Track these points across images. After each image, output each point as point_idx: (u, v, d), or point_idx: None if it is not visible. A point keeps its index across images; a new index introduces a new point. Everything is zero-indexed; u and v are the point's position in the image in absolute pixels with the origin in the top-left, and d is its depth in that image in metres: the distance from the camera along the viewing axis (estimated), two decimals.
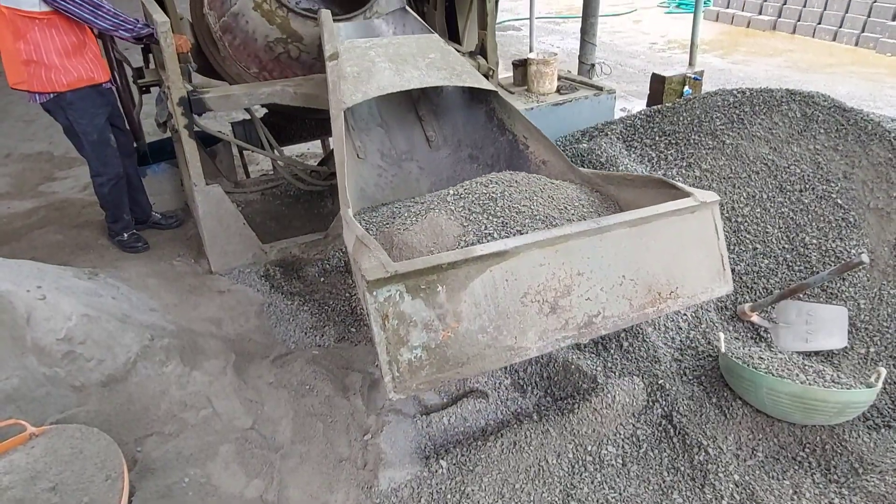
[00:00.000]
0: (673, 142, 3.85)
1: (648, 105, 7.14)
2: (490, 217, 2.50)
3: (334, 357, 3.32)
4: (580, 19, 7.01)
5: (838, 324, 3.07)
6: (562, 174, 3.01)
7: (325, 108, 3.13)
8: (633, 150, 3.98)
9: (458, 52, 4.39)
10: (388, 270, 1.95)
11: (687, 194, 2.46)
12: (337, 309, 3.76)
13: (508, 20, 12.86)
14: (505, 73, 5.41)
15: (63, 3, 3.36)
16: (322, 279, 4.01)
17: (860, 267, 2.79)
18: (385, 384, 1.97)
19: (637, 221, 2.31)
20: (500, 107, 3.32)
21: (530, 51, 10.20)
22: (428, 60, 3.14)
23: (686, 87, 6.99)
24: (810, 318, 3.10)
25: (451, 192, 2.66)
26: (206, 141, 4.88)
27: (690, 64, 7.35)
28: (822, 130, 3.54)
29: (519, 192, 2.63)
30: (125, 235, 4.16)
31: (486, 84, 3.16)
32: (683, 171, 3.67)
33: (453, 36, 4.78)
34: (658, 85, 7.00)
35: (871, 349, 2.99)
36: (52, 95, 3.59)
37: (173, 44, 3.40)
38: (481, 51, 4.22)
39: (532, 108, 4.62)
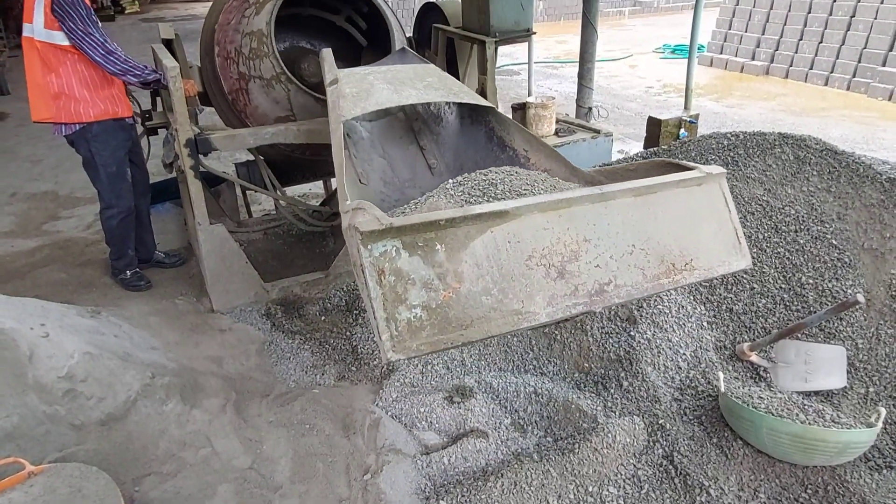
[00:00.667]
0: None
1: (645, 147, 7.26)
2: (490, 199, 2.44)
3: (334, 396, 3.32)
4: (577, 64, 7.19)
5: (837, 363, 3.08)
6: (566, 179, 3.00)
7: (328, 143, 3.21)
8: None
9: None
10: (382, 223, 1.87)
11: (692, 168, 2.46)
12: (338, 347, 3.78)
13: (507, 65, 13.15)
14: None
15: (80, 41, 3.50)
16: (323, 318, 4.03)
17: (856, 307, 2.81)
18: (382, 344, 1.85)
19: (641, 190, 2.28)
20: (498, 124, 3.37)
21: (529, 94, 10.44)
22: (426, 83, 3.22)
23: (682, 130, 7.11)
24: (809, 357, 3.11)
25: (451, 181, 2.62)
26: (211, 181, 4.96)
27: (686, 107, 7.50)
28: (814, 172, 3.61)
29: (520, 180, 2.61)
30: (128, 273, 4.21)
31: (483, 101, 3.23)
32: None
33: None
34: (654, 128, 7.14)
35: (871, 389, 2.99)
36: (78, 127, 3.73)
37: (182, 88, 3.50)
38: (481, 94, 4.33)
39: None
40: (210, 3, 4.56)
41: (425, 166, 3.56)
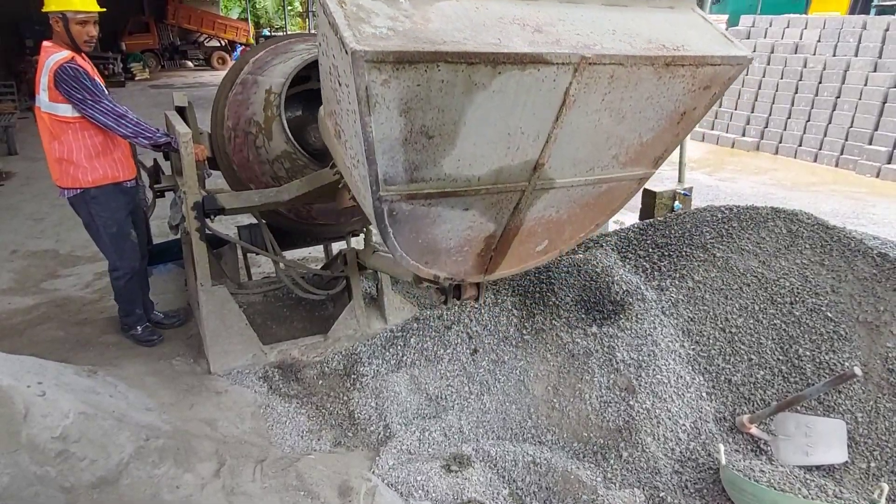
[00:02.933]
0: (666, 254, 4.00)
1: (641, 218, 7.38)
2: None
3: (331, 462, 3.27)
4: None
5: (837, 437, 3.07)
6: None
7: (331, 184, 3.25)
8: (628, 261, 4.12)
9: None
10: None
11: None
12: (334, 412, 3.74)
13: None
14: None
15: (89, 111, 3.62)
16: (321, 382, 4.01)
17: (854, 379, 2.83)
18: (344, 40, 1.75)
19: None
20: None
21: None
22: None
23: (676, 202, 7.25)
24: (809, 430, 3.10)
25: None
26: (213, 243, 5.03)
27: (679, 180, 7.68)
28: (807, 246, 3.69)
29: None
30: (139, 329, 4.23)
31: None
32: (677, 283, 3.79)
33: None
34: (649, 199, 7.27)
35: (872, 464, 2.97)
36: (77, 191, 3.81)
37: (193, 153, 3.61)
38: None
39: None
40: (221, 73, 4.73)
41: None
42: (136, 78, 23.27)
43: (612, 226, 5.24)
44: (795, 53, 12.12)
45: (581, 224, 2.79)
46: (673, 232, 4.08)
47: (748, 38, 13.24)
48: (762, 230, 3.84)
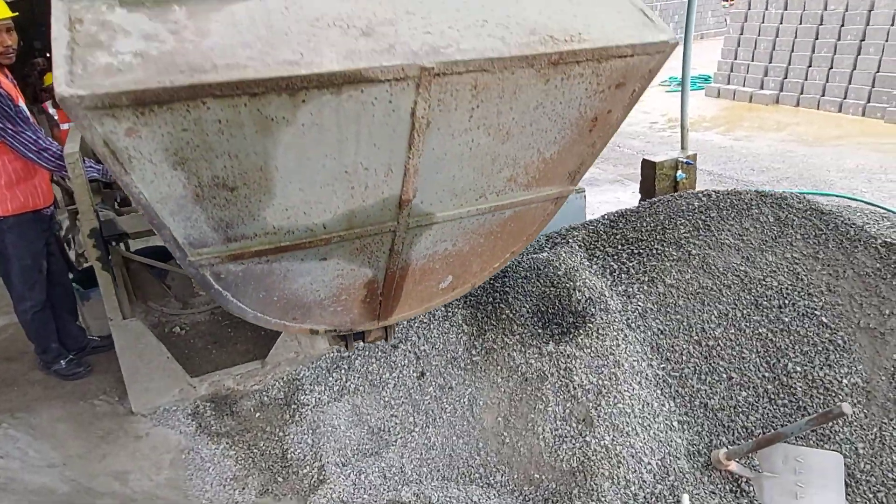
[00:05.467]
0: (636, 251, 3.46)
1: (641, 191, 6.82)
2: None
3: None
4: None
5: (833, 474, 2.55)
6: None
7: None
8: (596, 259, 3.60)
9: None
10: None
11: None
12: (267, 452, 3.36)
13: None
14: None
15: (11, 140, 3.32)
16: (258, 414, 3.62)
17: (842, 418, 2.31)
18: (56, 79, 1.29)
19: None
20: None
21: None
22: None
23: (679, 172, 6.66)
24: (800, 465, 2.59)
25: None
26: (164, 256, 4.66)
27: (682, 147, 7.04)
28: (798, 236, 3.12)
29: None
30: (62, 363, 3.91)
31: None
32: (646, 287, 3.26)
33: None
34: (649, 170, 6.71)
35: None
36: None
37: (82, 175, 3.19)
38: None
39: None
40: None
41: None
42: None
43: (608, 205, 4.62)
44: None
45: (491, 254, 2.31)
46: (645, 224, 3.53)
47: None
48: (745, 220, 3.27)
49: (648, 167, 6.76)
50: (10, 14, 3.52)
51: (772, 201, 3.27)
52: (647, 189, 6.87)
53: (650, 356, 3.03)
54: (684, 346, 3.03)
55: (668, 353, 3.03)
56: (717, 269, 3.19)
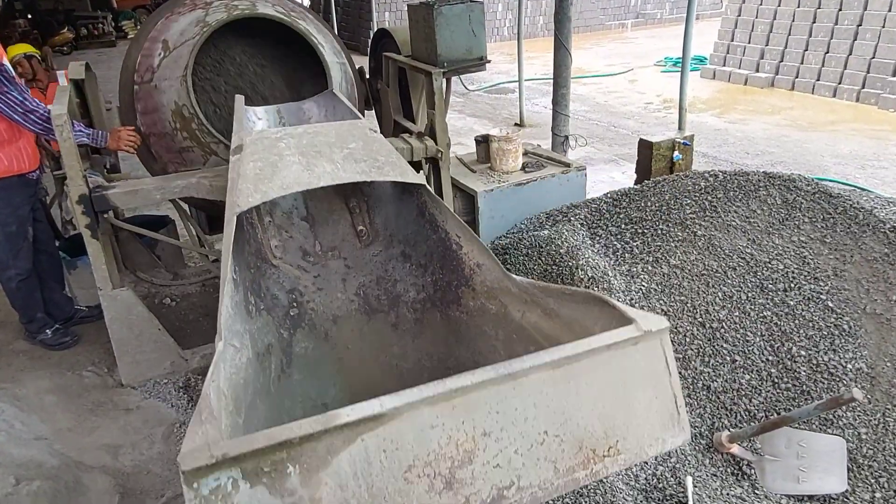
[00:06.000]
0: (639, 231, 3.41)
1: (636, 172, 6.76)
2: None
3: None
4: (576, 80, 6.74)
5: (836, 459, 2.54)
6: (497, 281, 2.57)
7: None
8: (598, 238, 3.54)
9: (408, 132, 4.06)
10: (213, 454, 1.47)
11: (629, 320, 1.99)
12: None
13: (502, 83, 12.69)
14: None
15: None
16: None
17: (852, 403, 2.29)
18: None
19: (562, 361, 1.84)
20: (430, 201, 2.91)
21: (520, 114, 9.99)
22: (346, 151, 2.75)
23: (675, 153, 6.62)
24: (803, 450, 2.58)
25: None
26: (151, 224, 4.54)
27: (680, 128, 6.99)
28: (806, 219, 3.08)
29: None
30: (48, 333, 3.82)
31: (412, 176, 2.75)
32: (650, 268, 3.21)
33: (408, 114, 4.45)
34: (646, 151, 6.65)
35: (877, 494, 2.45)
36: None
37: (70, 138, 3.06)
38: (431, 131, 3.86)
39: (493, 190, 4.22)
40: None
41: (353, 232, 3.08)
42: (129, 36, 22.45)
43: (604, 184, 4.54)
44: None
45: None
46: (649, 204, 3.47)
47: None
48: (753, 201, 3.22)
49: (645, 147, 6.70)
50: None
51: (780, 183, 3.22)
52: (643, 169, 6.82)
53: None
54: (688, 328, 3.00)
55: (672, 335, 2.99)
56: (723, 250, 3.14)
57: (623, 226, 3.50)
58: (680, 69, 12.32)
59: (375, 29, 14.56)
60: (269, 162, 2.59)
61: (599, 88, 12.31)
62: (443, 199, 3.99)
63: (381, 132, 4.74)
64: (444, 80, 3.84)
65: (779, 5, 11.56)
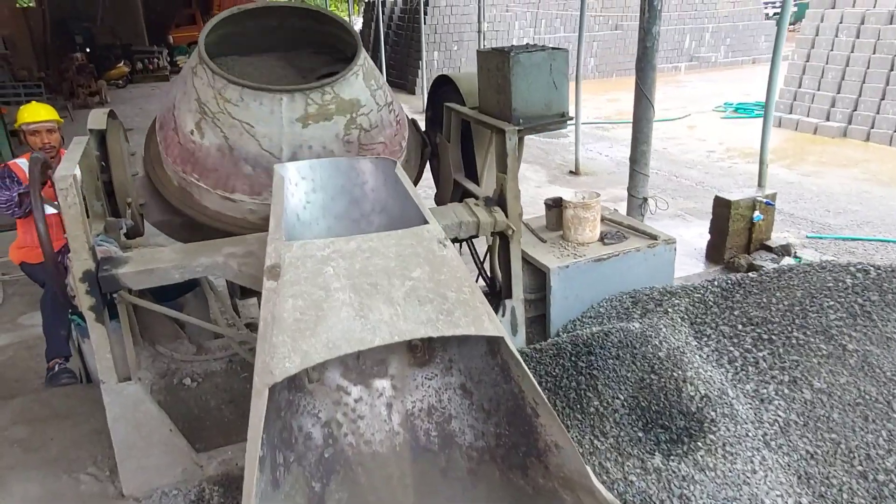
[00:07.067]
0: (764, 336, 2.72)
1: (711, 232, 6.12)
2: None
3: None
4: (630, 124, 6.16)
5: None
6: (579, 475, 1.88)
7: None
8: (706, 340, 2.87)
9: (474, 195, 3.47)
10: None
11: None
12: None
13: None
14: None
15: None
16: None
17: None
18: None
19: None
20: (507, 355, 2.23)
21: (576, 161, 9.38)
22: (409, 285, 2.11)
23: (756, 213, 6.03)
24: None
25: None
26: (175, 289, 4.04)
27: (760, 184, 6.33)
28: None
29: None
30: (56, 368, 3.87)
31: (489, 324, 2.09)
32: (786, 390, 2.52)
33: (471, 173, 3.87)
34: (723, 209, 6.13)
35: None
36: None
37: (78, 203, 2.55)
38: (499, 199, 3.26)
39: (568, 266, 3.59)
40: None
41: (405, 345, 2.42)
42: None
43: (678, 268, 3.83)
44: (891, 24, 10.40)
45: None
46: (773, 301, 2.80)
47: (833, 8, 11.49)
48: None
49: (722, 205, 6.15)
50: (55, 117, 3.79)
51: None
52: (719, 230, 6.24)
53: (798, 490, 2.28)
54: (844, 479, 2.28)
55: (823, 488, 2.28)
56: (884, 373, 2.44)
57: (740, 327, 2.82)
58: (742, 114, 11.52)
59: (423, 67, 14.30)
60: (313, 300, 1.98)
61: (656, 134, 11.60)
62: (510, 279, 3.38)
63: (439, 193, 4.19)
64: (518, 140, 3.25)
65: (851, 51, 10.88)
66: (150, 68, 20.55)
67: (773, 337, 2.70)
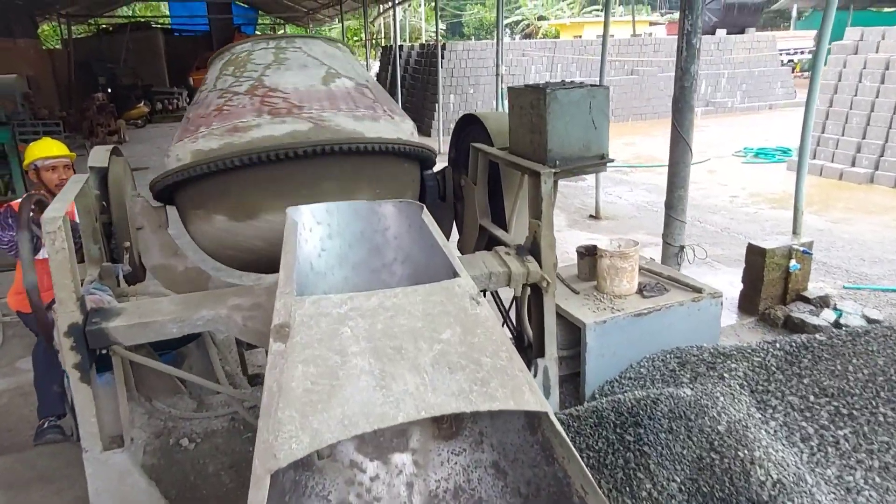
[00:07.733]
0: (844, 412, 2.37)
1: (745, 280, 5.79)
2: None
3: None
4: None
5: None
6: None
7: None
8: (771, 412, 2.51)
9: (502, 242, 3.18)
10: None
11: None
12: None
13: None
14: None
15: None
16: None
17: None
18: None
19: None
20: (551, 432, 1.89)
21: (596, 205, 9.12)
22: (438, 349, 1.79)
23: (793, 262, 5.71)
24: None
25: None
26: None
27: (795, 232, 6.01)
28: None
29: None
30: (46, 425, 3.58)
31: (530, 398, 1.75)
32: (877, 479, 2.15)
33: (498, 219, 3.58)
34: (757, 258, 5.82)
35: None
36: None
37: (65, 248, 2.27)
38: (532, 246, 2.96)
39: (605, 321, 3.26)
40: None
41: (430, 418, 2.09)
42: None
43: (726, 314, 3.44)
44: None
45: None
46: (851, 369, 2.45)
47: (856, 54, 11.36)
48: None
49: (756, 253, 5.85)
50: (67, 152, 3.73)
51: None
52: (752, 280, 5.91)
53: None
54: None
55: None
56: None
57: (812, 398, 2.46)
58: (763, 159, 11.24)
59: (440, 110, 14.22)
60: (328, 367, 1.65)
61: None
62: (543, 335, 3.05)
63: (463, 239, 3.90)
64: (554, 183, 2.96)
65: (876, 97, 10.68)
66: (169, 109, 20.95)
67: (855, 412, 2.34)
